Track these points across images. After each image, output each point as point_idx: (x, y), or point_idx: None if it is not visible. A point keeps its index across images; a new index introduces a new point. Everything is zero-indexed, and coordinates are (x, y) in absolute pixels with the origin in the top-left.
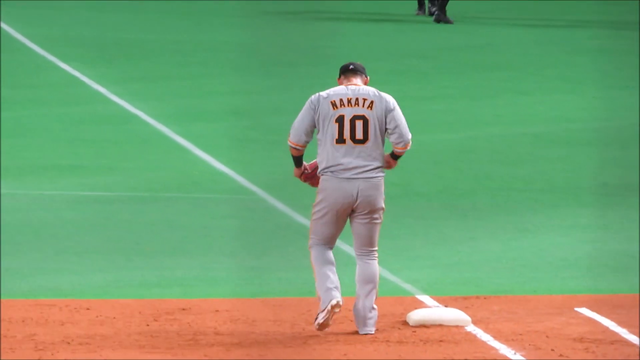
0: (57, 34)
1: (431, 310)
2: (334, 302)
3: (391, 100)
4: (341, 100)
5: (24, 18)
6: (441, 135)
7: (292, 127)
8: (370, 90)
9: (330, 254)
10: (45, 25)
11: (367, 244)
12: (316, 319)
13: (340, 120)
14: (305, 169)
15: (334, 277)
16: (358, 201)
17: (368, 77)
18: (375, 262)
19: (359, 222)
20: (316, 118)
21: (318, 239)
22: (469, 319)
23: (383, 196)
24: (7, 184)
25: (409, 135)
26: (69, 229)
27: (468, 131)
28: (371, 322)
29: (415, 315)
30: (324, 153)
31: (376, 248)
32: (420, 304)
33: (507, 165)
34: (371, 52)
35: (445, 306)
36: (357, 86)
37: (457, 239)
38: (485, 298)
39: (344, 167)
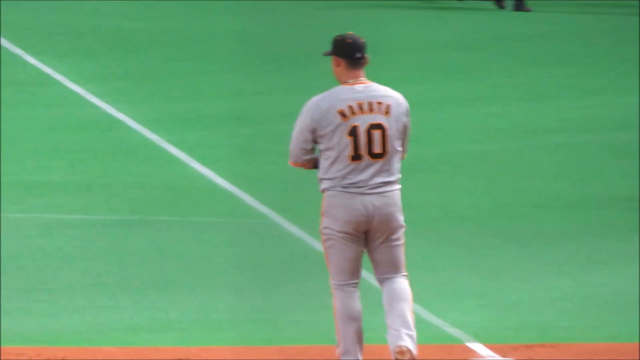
0: (23, 22)
1: None
2: None
3: (406, 104)
4: (351, 107)
5: None
6: (493, 145)
7: (290, 148)
8: (384, 91)
9: (357, 302)
10: (9, 11)
11: (392, 271)
12: None
13: (354, 132)
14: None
15: (358, 342)
16: (374, 220)
17: (368, 56)
18: (405, 280)
19: (378, 247)
20: (317, 132)
21: (340, 279)
22: None
23: (402, 211)
24: None
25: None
26: (38, 260)
27: (526, 139)
28: (409, 340)
29: None
30: (333, 170)
31: (405, 273)
32: (472, 354)
33: (575, 180)
34: (407, 44)
35: (503, 356)
36: (366, 84)
37: (516, 273)
38: (552, 346)
39: (360, 184)
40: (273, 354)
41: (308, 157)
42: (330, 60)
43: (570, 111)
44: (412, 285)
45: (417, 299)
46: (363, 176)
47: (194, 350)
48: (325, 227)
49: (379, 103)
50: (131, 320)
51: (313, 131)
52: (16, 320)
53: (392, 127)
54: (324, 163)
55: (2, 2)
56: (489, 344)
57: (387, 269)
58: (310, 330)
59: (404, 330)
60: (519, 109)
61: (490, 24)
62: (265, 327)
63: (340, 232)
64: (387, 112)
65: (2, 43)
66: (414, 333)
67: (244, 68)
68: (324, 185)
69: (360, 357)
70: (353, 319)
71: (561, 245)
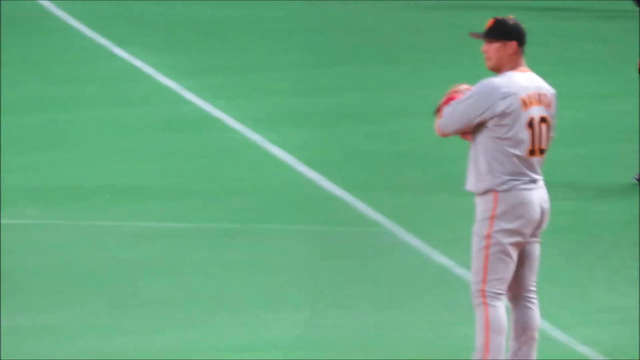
0: (111, 10)
1: None
2: None
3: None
4: (529, 96)
5: None
6: (629, 146)
7: (449, 113)
8: (543, 82)
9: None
10: None
11: (535, 273)
12: None
13: (532, 124)
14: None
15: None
16: (543, 216)
17: None
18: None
19: (531, 246)
20: (494, 121)
21: (501, 287)
22: None
23: None
24: (44, 211)
25: None
26: (128, 273)
27: None
28: None
29: None
30: (511, 164)
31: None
32: None
33: None
34: (532, 35)
35: None
36: (530, 72)
37: None
38: None
39: (534, 180)
40: None
41: (455, 134)
42: (488, 45)
43: None
44: (539, 299)
45: (544, 314)
46: (535, 172)
47: None
48: (499, 231)
49: (544, 95)
50: (229, 338)
51: (485, 118)
52: (103, 338)
53: (552, 121)
54: (498, 155)
55: None
56: None
57: (533, 272)
58: (427, 348)
59: None
60: None
61: (624, 11)
62: (378, 346)
63: (518, 235)
64: (548, 105)
65: (86, 34)
66: None
67: (355, 60)
68: (501, 184)
69: None
70: (504, 332)
71: None
